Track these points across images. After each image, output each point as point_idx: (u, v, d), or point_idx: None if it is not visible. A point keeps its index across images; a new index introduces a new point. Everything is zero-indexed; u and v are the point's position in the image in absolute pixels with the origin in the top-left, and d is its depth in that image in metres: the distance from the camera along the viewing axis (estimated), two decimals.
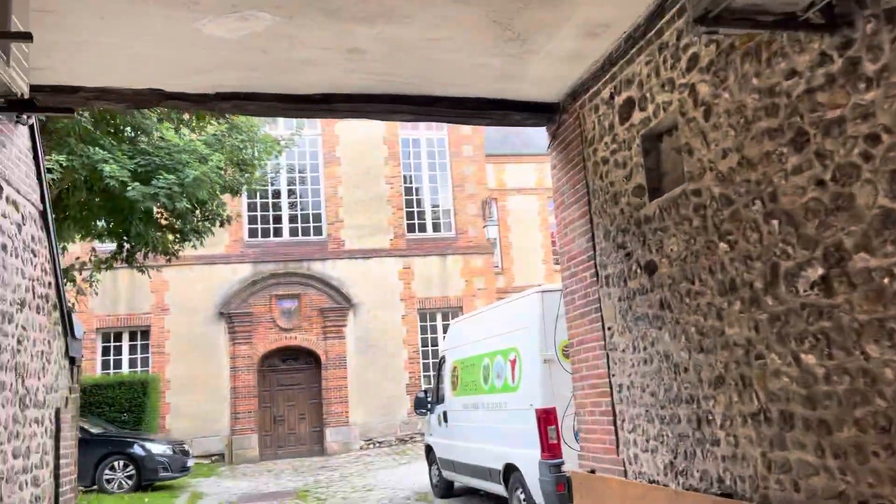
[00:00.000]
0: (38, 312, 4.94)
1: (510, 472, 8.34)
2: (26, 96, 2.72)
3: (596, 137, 5.12)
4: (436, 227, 21.18)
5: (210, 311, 18.93)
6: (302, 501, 11.95)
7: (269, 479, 15.01)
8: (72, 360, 5.64)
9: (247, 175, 13.90)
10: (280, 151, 14.29)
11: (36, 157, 5.00)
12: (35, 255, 4.92)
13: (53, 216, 12.00)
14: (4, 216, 4.46)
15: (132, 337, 18.88)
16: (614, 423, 4.93)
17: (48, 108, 2.81)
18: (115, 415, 15.60)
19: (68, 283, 12.58)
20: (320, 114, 5.31)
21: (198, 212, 13.37)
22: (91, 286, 12.70)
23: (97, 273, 13.53)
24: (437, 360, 11.93)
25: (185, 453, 14.08)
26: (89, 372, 17.88)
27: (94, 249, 13.54)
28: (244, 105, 5.02)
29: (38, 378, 4.90)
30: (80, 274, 12.69)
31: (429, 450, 11.68)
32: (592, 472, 5.21)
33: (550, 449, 7.45)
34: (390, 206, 20.57)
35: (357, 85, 5.04)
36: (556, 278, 21.43)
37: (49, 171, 9.76)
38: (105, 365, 18.58)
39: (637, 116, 4.59)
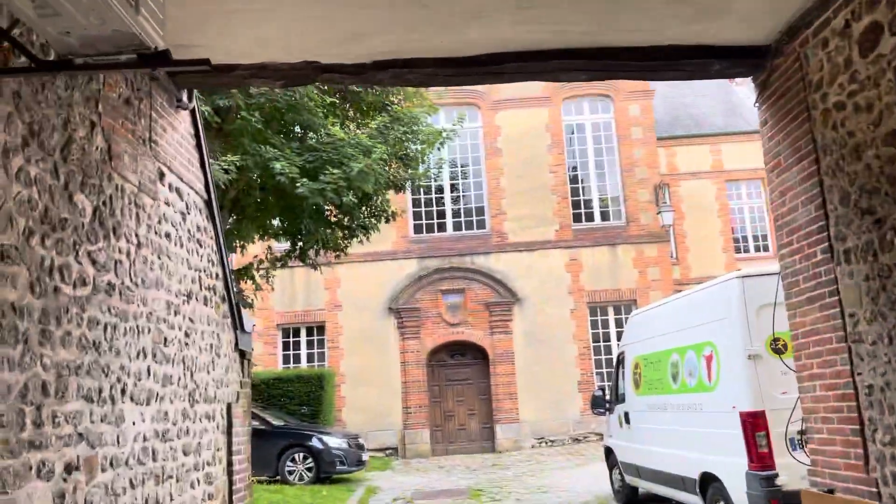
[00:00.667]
0: (206, 304, 4.79)
1: (708, 483, 7.36)
2: (160, 47, 2.36)
3: (825, 80, 4.14)
4: (604, 216, 20.11)
5: (380, 307, 19.16)
6: (475, 500, 11.55)
7: (441, 475, 14.81)
8: (242, 354, 5.50)
9: (410, 170, 13.76)
10: (442, 143, 14.01)
11: (199, 145, 4.87)
12: (201, 246, 4.78)
13: (232, 216, 12.54)
14: (168, 204, 4.31)
15: (309, 332, 19.54)
16: (862, 434, 3.95)
17: (183, 61, 2.51)
18: (294, 407, 16.11)
19: (248, 281, 13.05)
20: (486, 78, 4.74)
21: (364, 208, 13.42)
22: (268, 281, 13.06)
23: (273, 270, 13.95)
24: (615, 357, 11.06)
25: (360, 447, 14.19)
26: (271, 366, 18.72)
27: (270, 248, 13.97)
28: (403, 74, 4.56)
29: (208, 372, 4.74)
30: (258, 272, 13.11)
31: (608, 452, 10.84)
32: (830, 491, 4.23)
33: (760, 458, 6.42)
34: (555, 195, 19.79)
35: (526, 40, 4.42)
36: (737, 268, 19.62)
37: (226, 171, 10.06)
38: (286, 359, 19.38)
39: (888, 44, 3.59)
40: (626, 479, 10.05)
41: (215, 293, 4.96)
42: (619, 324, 19.34)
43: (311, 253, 13.95)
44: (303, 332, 19.55)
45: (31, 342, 2.78)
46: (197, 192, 4.79)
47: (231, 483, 5.04)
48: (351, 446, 13.81)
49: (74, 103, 3.22)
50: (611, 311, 19.50)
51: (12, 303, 2.66)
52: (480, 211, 20.10)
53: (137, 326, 3.76)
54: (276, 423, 13.89)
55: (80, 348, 3.16)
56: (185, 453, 4.35)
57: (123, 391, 3.56)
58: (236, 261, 15.88)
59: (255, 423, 13.54)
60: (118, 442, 3.48)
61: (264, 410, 14.68)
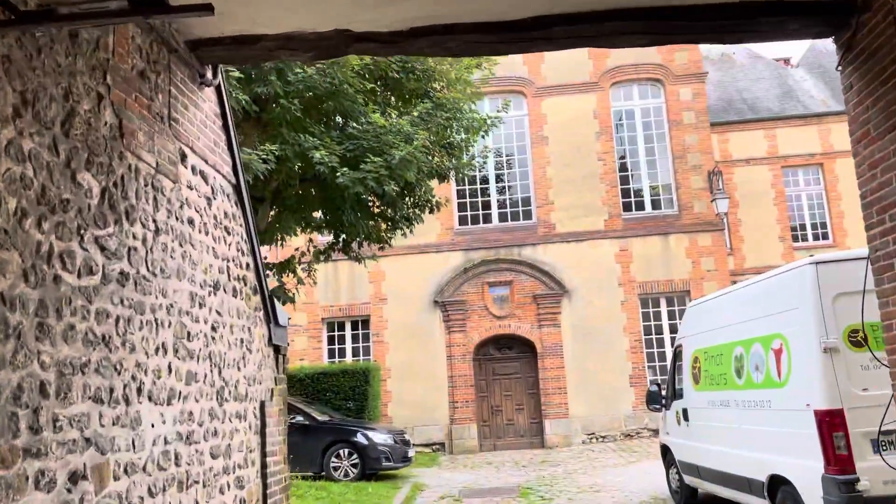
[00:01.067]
0: (235, 296, 4.48)
1: (778, 486, 6.80)
2: None
3: None
4: (655, 205, 19.40)
5: (425, 300, 18.84)
6: (525, 499, 11.13)
7: (490, 472, 14.42)
8: (276, 349, 5.19)
9: (454, 159, 13.36)
10: (487, 130, 13.57)
11: (226, 126, 4.55)
12: (229, 234, 4.47)
13: (273, 209, 12.35)
14: (190, 187, 4.00)
15: (354, 326, 19.34)
16: None
17: (181, 7, 2.17)
18: (339, 402, 15.91)
19: (290, 274, 12.83)
20: (534, 44, 4.29)
21: (408, 198, 13.08)
22: (310, 275, 12.82)
23: (315, 264, 13.73)
24: (671, 350, 10.50)
25: (406, 443, 13.90)
26: (317, 360, 18.59)
27: (311, 240, 13.74)
28: (443, 42, 4.16)
29: (238, 368, 4.44)
30: (301, 265, 12.88)
31: (665, 450, 10.30)
32: None
33: (838, 461, 5.85)
34: (603, 184, 19.15)
35: (576, 2, 3.97)
36: (795, 258, 18.71)
37: (264, 161, 9.81)
38: (331, 354, 19.22)
39: None
40: (685, 479, 9.51)
41: (246, 284, 4.65)
42: (671, 316, 18.65)
43: (354, 245, 13.70)
44: (348, 326, 19.36)
45: (25, 337, 2.47)
46: (224, 176, 4.48)
47: (265, 486, 4.73)
48: (396, 442, 13.52)
49: (77, 72, 2.91)
50: (663, 302, 18.81)
51: (1, 292, 2.35)
52: (527, 201, 19.60)
53: (156, 320, 3.45)
54: (320, 418, 13.68)
55: (86, 344, 2.85)
56: (214, 456, 4.04)
57: (140, 390, 3.26)
58: (278, 254, 15.75)
59: (299, 419, 13.37)
60: (134, 446, 3.17)
61: (309, 405, 14.50)
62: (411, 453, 13.90)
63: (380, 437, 13.33)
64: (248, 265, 4.74)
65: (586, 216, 18.97)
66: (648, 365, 18.36)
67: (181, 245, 3.80)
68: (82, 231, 2.88)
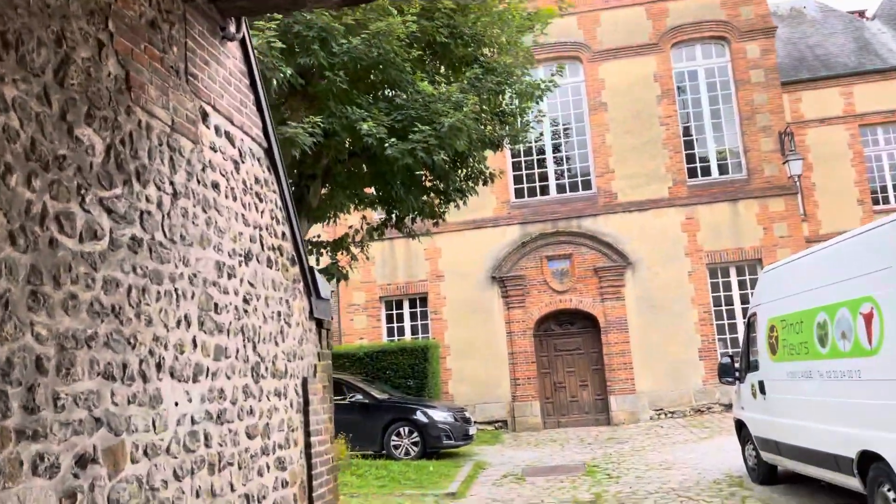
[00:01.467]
0: (270, 267, 4.20)
1: (869, 462, 6.22)
2: None
3: None
4: (722, 170, 18.48)
5: (482, 276, 18.48)
6: (591, 477, 10.73)
7: (554, 449, 14.04)
8: (319, 323, 4.91)
9: (508, 127, 12.88)
10: (541, 96, 13.00)
11: (254, 84, 4.24)
12: (261, 200, 4.18)
13: (326, 186, 12.13)
14: (214, 149, 3.71)
15: (412, 304, 19.15)
16: None
17: None
18: (399, 380, 15.75)
19: (344, 252, 12.64)
20: None
21: (460, 170, 12.70)
22: (363, 251, 12.60)
23: (369, 241, 13.51)
24: (745, 319, 9.86)
25: (467, 421, 13.63)
26: (376, 339, 18.49)
27: (364, 217, 13.52)
28: None
29: (276, 343, 4.16)
30: (354, 243, 12.67)
31: (740, 426, 9.71)
32: None
33: None
34: (667, 150, 18.33)
35: None
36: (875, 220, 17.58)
37: (311, 134, 9.54)
38: (390, 332, 19.10)
39: None
40: (763, 456, 8.93)
41: (282, 254, 4.36)
42: (742, 286, 17.80)
43: (408, 222, 13.42)
44: (405, 304, 19.18)
45: (14, 306, 2.20)
46: (254, 139, 4.18)
47: (310, 467, 4.47)
48: (457, 420, 13.27)
49: (71, 16, 2.62)
50: (733, 272, 17.96)
51: None
52: (586, 171, 18.94)
53: (176, 290, 3.18)
54: (380, 396, 13.53)
55: (92, 315, 2.59)
56: (250, 436, 3.79)
57: (160, 366, 2.99)
58: (331, 232, 15.59)
59: (359, 397, 13.25)
60: (154, 427, 2.91)
61: (369, 384, 14.38)
62: (472, 431, 13.64)
63: (440, 415, 13.10)
64: (283, 234, 4.46)
65: (649, 184, 18.21)
66: (718, 337, 17.59)
67: (205, 211, 3.52)
68: (83, 191, 2.61)
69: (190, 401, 3.23)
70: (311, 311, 4.77)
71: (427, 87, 10.11)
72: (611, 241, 18.00)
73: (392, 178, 11.48)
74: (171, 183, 3.24)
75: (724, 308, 17.83)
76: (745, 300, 17.69)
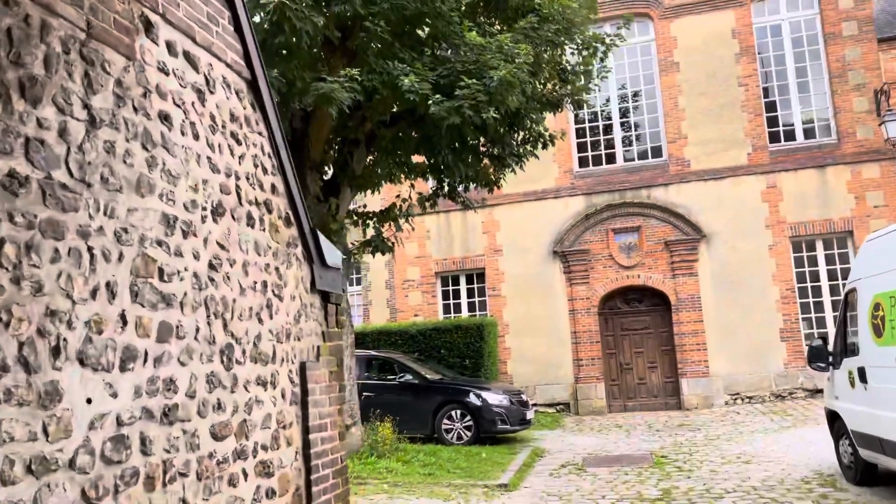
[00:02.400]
0: (252, 226, 3.38)
1: None
2: None
3: None
4: (808, 133, 16.81)
5: (543, 250, 17.43)
6: (659, 469, 9.70)
7: (619, 436, 13.01)
8: (325, 297, 4.09)
9: (569, 86, 11.77)
10: (606, 51, 11.82)
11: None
12: (239, 143, 3.35)
13: (372, 152, 11.32)
14: (165, 72, 2.88)
15: (469, 280, 18.29)
16: None
17: None
18: (454, 360, 14.97)
19: (390, 225, 11.83)
20: None
21: (517, 133, 11.69)
22: (408, 221, 11.76)
23: (420, 212, 12.67)
24: (842, 296, 8.57)
25: (524, 404, 12.72)
26: (432, 316, 17.73)
27: (412, 186, 12.66)
28: None
29: (259, 320, 3.35)
30: (401, 214, 11.83)
31: (833, 417, 8.49)
32: None
33: None
34: (746, 112, 16.77)
35: None
36: None
37: (350, 90, 8.67)
38: (446, 309, 18.31)
39: None
40: (861, 453, 7.72)
41: (269, 211, 3.54)
42: (830, 261, 16.21)
43: (461, 190, 12.52)
44: (462, 280, 18.32)
45: None
46: (229, 66, 3.34)
47: (309, 471, 3.67)
48: (513, 403, 12.38)
49: None
50: (819, 245, 16.37)
51: None
52: (656, 137, 17.57)
53: (90, 249, 2.37)
54: (431, 377, 12.76)
55: None
56: (217, 437, 2.99)
57: (57, 351, 2.20)
58: (378, 202, 14.81)
59: (408, 378, 12.51)
60: (45, 433, 2.12)
61: (422, 364, 13.64)
62: (530, 415, 12.73)
63: (495, 398, 12.24)
64: (274, 188, 3.62)
65: (726, 150, 16.73)
66: (803, 317, 16.10)
67: (146, 148, 2.71)
68: None
69: (115, 396, 2.43)
70: (312, 282, 3.94)
71: (475, 37, 9.11)
72: (683, 213, 16.66)
73: (440, 141, 10.58)
74: (87, 107, 2.43)
75: (808, 285, 16.29)
76: (832, 276, 16.12)
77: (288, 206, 3.78)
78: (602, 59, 11.89)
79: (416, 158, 12.29)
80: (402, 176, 12.32)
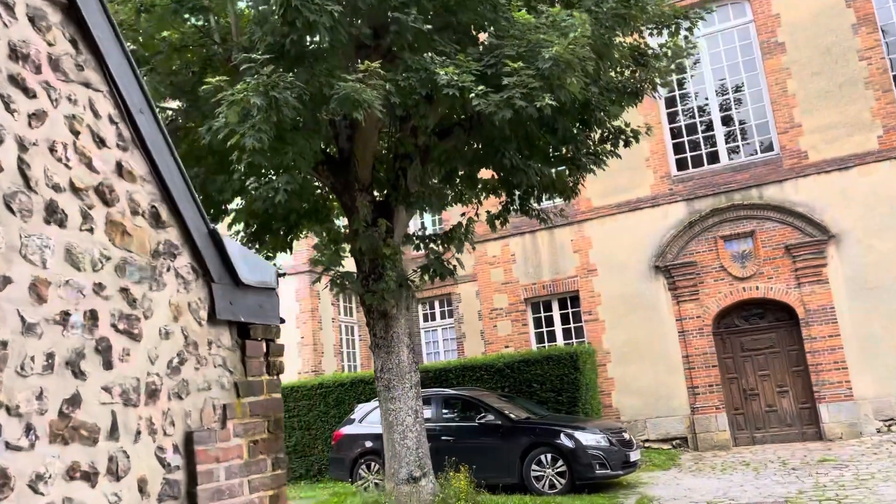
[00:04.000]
0: (62, 224, 2.15)
1: None
2: None
3: None
4: None
5: (642, 266, 15.57)
6: None
7: (746, 476, 10.94)
8: (243, 331, 2.81)
9: (651, 71, 10.14)
10: (691, 27, 10.14)
11: None
12: (51, 99, 2.16)
13: (425, 166, 10.07)
14: None
15: (561, 304, 16.63)
16: None
17: None
18: (547, 394, 13.33)
19: (450, 247, 10.48)
20: None
21: (594, 132, 10.18)
22: (468, 239, 10.36)
23: (493, 229, 11.27)
24: None
25: (627, 444, 10.93)
26: (523, 346, 16.18)
27: (479, 202, 11.28)
28: None
29: (78, 373, 2.11)
30: (466, 234, 10.48)
31: None
32: None
33: None
34: (871, 90, 14.41)
35: None
36: None
37: (381, 88, 7.47)
38: (539, 338, 16.71)
39: None
40: None
41: (108, 203, 2.28)
42: None
43: (533, 203, 11.07)
44: (554, 306, 16.69)
45: None
46: None
47: None
48: (613, 443, 10.62)
49: None
50: None
51: None
52: (764, 129, 15.45)
53: None
54: (514, 416, 11.21)
55: None
56: None
57: None
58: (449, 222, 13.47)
59: (490, 418, 11.04)
60: None
61: (508, 401, 12.13)
62: (635, 456, 10.90)
63: (590, 438, 10.53)
64: (121, 168, 2.39)
65: (850, 135, 14.40)
66: None
67: None
68: None
69: None
70: (212, 309, 2.66)
71: (525, 16, 7.74)
72: (804, 212, 14.40)
73: (502, 146, 9.24)
74: None
75: None
76: None
77: (159, 197, 2.53)
78: (687, 37, 10.20)
79: (484, 174, 10.99)
80: (464, 191, 11.02)
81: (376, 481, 11.24)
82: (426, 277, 9.49)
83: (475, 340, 18.88)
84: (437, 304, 22.02)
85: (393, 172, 9.83)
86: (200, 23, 9.03)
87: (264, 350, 2.91)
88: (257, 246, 10.25)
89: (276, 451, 2.84)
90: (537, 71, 7.42)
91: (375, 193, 10.04)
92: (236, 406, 2.70)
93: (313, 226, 10.61)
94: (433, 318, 22.07)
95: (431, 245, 10.53)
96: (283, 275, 3.29)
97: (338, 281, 9.38)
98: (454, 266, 9.78)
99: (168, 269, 2.53)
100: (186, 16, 8.66)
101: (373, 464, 11.66)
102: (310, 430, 14.74)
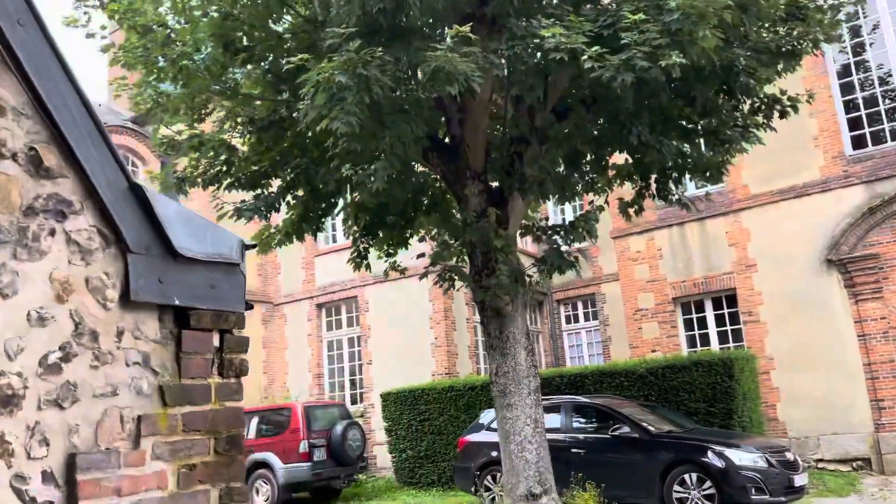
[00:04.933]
0: None
1: None
2: None
3: None
4: None
5: (811, 260, 13.59)
6: None
7: None
8: (181, 317, 2.13)
9: (809, 25, 8.56)
10: None
11: None
12: None
13: (544, 150, 9.11)
14: None
15: (716, 304, 14.93)
16: None
17: None
18: (696, 404, 11.85)
19: (571, 241, 9.39)
20: None
21: (742, 102, 8.80)
22: (590, 231, 9.23)
23: (627, 219, 10.10)
24: None
25: (791, 465, 9.33)
26: (673, 351, 14.68)
27: (607, 188, 10.13)
28: None
29: None
30: (588, 222, 9.39)
31: None
32: None
33: None
34: None
35: None
36: None
37: (478, 66, 6.70)
38: (690, 342, 15.12)
39: None
40: None
41: None
42: None
43: (672, 186, 9.78)
44: (708, 306, 15.01)
45: None
46: None
47: None
48: (772, 464, 9.08)
49: None
50: None
51: None
52: None
53: None
54: (655, 429, 9.93)
55: None
56: None
57: None
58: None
59: (625, 430, 9.87)
60: None
61: (649, 411, 10.87)
62: (800, 481, 9.27)
63: (744, 457, 9.07)
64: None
65: None
66: None
67: None
68: None
69: None
70: (126, 288, 2.00)
71: None
72: None
73: (629, 120, 8.12)
74: None
75: None
76: None
77: (45, 137, 1.90)
78: None
79: (617, 160, 9.88)
80: (594, 177, 9.95)
81: (501, 494, 10.40)
82: (544, 272, 8.54)
83: (622, 344, 17.55)
84: (579, 304, 20.79)
85: (508, 157, 8.99)
86: (305, 13, 8.69)
87: (215, 344, 2.20)
88: (370, 241, 9.80)
89: (227, 480, 2.13)
90: (663, 26, 6.30)
91: (491, 183, 9.25)
92: (159, 418, 2.01)
93: (434, 220, 9.98)
94: (576, 320, 20.86)
95: (554, 237, 9.55)
96: (252, 247, 2.59)
97: (446, 276, 8.67)
98: (576, 258, 8.75)
99: (52, 233, 1.89)
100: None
101: (499, 475, 10.80)
102: (441, 435, 14.17)
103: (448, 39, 6.59)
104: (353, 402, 17.85)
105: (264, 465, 13.81)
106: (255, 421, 14.69)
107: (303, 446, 13.53)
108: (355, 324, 18.27)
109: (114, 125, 18.49)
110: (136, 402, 1.97)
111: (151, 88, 8.80)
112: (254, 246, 2.36)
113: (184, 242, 2.13)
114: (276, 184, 9.30)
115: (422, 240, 10.60)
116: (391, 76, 6.74)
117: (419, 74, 6.75)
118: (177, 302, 2.10)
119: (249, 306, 2.33)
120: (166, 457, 2.00)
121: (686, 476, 9.26)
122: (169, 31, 8.40)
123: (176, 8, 8.28)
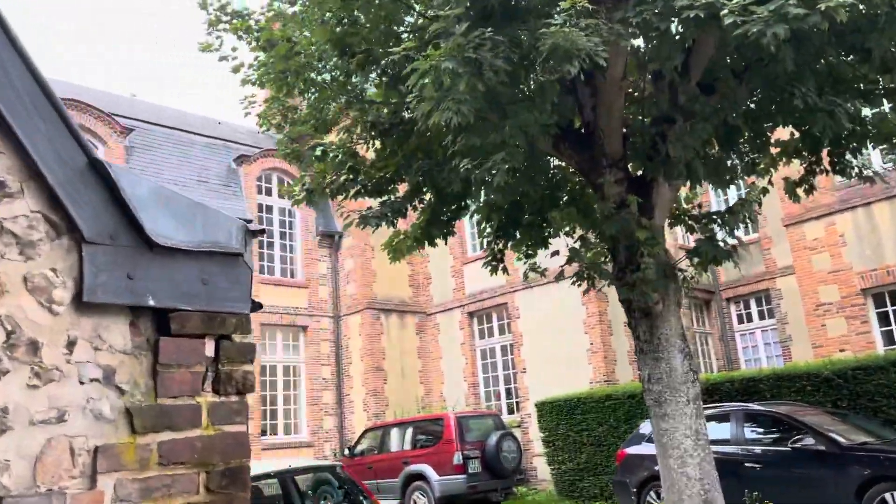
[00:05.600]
0: None
1: None
2: None
3: None
4: None
5: None
6: None
7: None
8: (161, 321, 1.72)
9: None
10: None
11: None
12: None
13: (686, 124, 8.10)
14: None
15: None
16: None
17: None
18: (894, 411, 10.16)
19: (734, 225, 8.29)
20: None
21: None
22: (747, 218, 8.06)
23: (794, 199, 8.84)
24: None
25: None
26: (865, 349, 12.85)
27: (771, 161, 8.86)
28: None
29: None
30: (749, 205, 8.25)
31: None
32: None
33: None
34: None
35: None
36: None
37: (603, 39, 6.00)
38: (887, 338, 13.17)
39: None
40: None
41: None
42: None
43: (850, 157, 8.40)
44: None
45: None
46: None
47: None
48: None
49: None
50: None
51: None
52: None
53: None
54: (846, 440, 8.53)
55: None
56: None
57: None
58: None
59: (809, 441, 8.58)
60: None
61: (842, 420, 9.46)
62: None
63: None
64: None
65: None
66: None
67: None
68: None
69: None
70: (80, 287, 1.62)
71: None
72: None
73: (790, 84, 7.00)
74: None
75: None
76: None
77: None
78: None
79: (781, 135, 8.68)
80: (755, 158, 8.78)
81: None
82: (697, 265, 7.57)
83: (805, 344, 15.74)
84: (752, 302, 18.96)
85: (649, 140, 8.09)
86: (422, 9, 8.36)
87: (208, 354, 1.77)
88: (504, 243, 9.26)
89: None
90: None
91: (632, 171, 8.40)
92: (125, 449, 1.60)
93: (569, 215, 9.26)
94: (749, 319, 19.04)
95: (711, 225, 8.49)
96: (261, 232, 2.13)
97: (584, 274, 7.93)
98: (734, 247, 7.69)
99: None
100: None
101: (662, 491, 9.83)
102: (601, 447, 13.30)
103: (561, 15, 5.93)
104: (511, 411, 17.35)
105: (421, 476, 13.64)
106: (409, 432, 14.59)
107: (457, 458, 13.22)
108: (507, 331, 17.79)
109: (269, 149, 19.35)
110: (93, 429, 1.58)
111: (279, 103, 8.85)
112: (262, 231, 1.92)
113: (162, 229, 1.73)
114: (402, 189, 9.03)
115: (568, 235, 9.89)
116: (505, 59, 6.20)
117: (537, 56, 6.15)
118: (152, 302, 1.69)
119: (258, 306, 1.88)
120: (134, 498, 1.58)
121: (888, 495, 7.83)
122: (292, 43, 8.39)
123: (295, 19, 8.25)
